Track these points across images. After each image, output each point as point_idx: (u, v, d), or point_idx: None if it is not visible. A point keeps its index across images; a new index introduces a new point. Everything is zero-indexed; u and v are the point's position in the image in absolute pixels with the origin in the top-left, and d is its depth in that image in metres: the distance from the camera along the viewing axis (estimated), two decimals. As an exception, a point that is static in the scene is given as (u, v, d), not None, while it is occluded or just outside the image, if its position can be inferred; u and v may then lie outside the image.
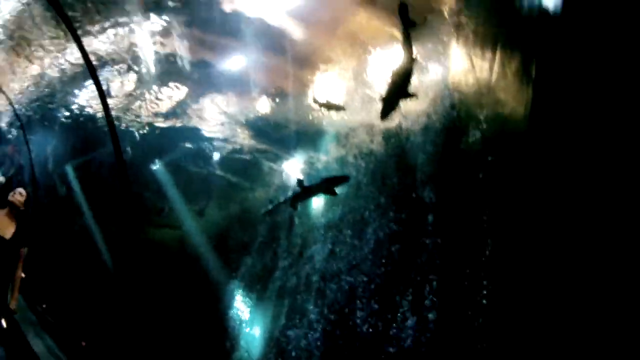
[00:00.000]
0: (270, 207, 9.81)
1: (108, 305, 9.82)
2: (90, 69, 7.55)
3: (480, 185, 4.97)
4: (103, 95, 7.68)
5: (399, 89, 6.14)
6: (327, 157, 9.33)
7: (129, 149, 10.09)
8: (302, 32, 7.70)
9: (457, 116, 6.25)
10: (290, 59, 8.25)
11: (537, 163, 3.23)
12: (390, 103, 6.29)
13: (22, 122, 12.99)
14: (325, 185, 7.82)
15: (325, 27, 7.63)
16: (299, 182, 8.34)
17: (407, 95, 6.20)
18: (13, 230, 6.19)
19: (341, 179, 7.82)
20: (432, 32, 6.71)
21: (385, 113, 6.41)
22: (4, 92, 12.09)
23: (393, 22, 7.00)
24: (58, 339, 8.27)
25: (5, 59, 10.84)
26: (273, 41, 7.94)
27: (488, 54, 4.74)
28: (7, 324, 6.16)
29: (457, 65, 6.18)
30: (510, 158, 4.05)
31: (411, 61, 6.14)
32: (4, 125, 14.61)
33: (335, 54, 7.90)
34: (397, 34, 7.02)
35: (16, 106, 12.71)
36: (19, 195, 6.49)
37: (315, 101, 8.64)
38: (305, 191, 8.16)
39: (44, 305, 10.53)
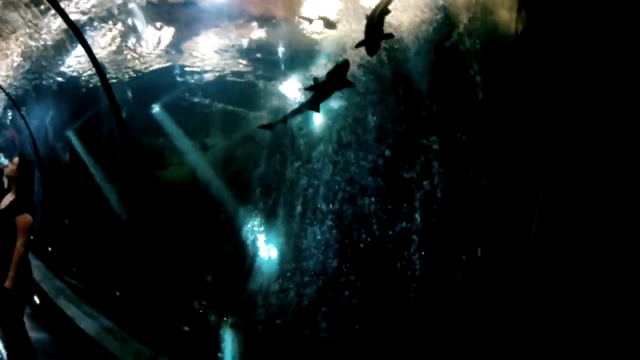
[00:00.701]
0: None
1: (129, 255, 10.12)
2: (73, 29, 7.66)
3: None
4: (91, 51, 7.80)
5: (378, 29, 6.39)
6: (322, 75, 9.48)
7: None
8: None
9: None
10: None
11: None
12: (373, 44, 6.56)
13: (14, 99, 13.16)
14: (335, 77, 7.51)
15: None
16: (314, 80, 8.00)
17: (387, 36, 6.58)
18: (10, 200, 5.67)
19: (343, 66, 7.46)
20: None
21: (371, 52, 6.73)
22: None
23: None
24: (91, 301, 8.26)
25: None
26: None
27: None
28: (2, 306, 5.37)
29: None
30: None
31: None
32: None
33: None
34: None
35: (5, 86, 12.84)
36: (10, 165, 5.98)
37: (308, 19, 8.74)
38: (320, 89, 7.81)
39: (73, 269, 10.81)
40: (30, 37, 10.77)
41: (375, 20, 6.35)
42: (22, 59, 11.81)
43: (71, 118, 12.73)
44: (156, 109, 11.34)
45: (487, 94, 5.54)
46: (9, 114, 15.25)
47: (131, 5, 9.45)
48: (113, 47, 10.44)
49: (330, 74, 7.63)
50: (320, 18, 8.65)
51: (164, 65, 10.53)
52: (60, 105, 12.78)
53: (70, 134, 12.89)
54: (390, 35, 6.73)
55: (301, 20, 8.90)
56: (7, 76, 12.63)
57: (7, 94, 13.15)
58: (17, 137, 15.52)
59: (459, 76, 6.32)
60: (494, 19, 5.33)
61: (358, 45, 6.57)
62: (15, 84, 12.93)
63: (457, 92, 6.44)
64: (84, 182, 12.55)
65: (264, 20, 9.39)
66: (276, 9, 9.05)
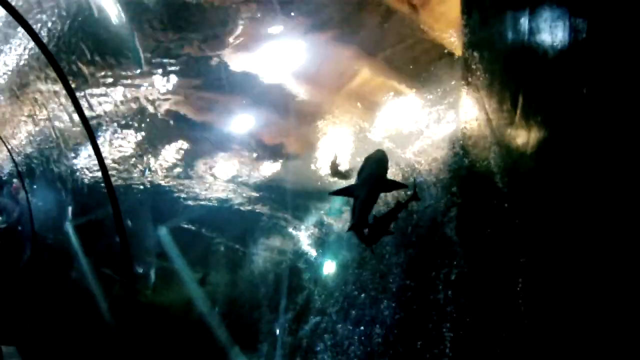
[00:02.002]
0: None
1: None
2: (87, 129, 7.46)
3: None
4: (100, 155, 7.54)
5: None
6: (333, 218, 9.09)
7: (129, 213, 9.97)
8: (307, 92, 7.76)
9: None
10: (296, 119, 8.26)
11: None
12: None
13: (21, 171, 12.88)
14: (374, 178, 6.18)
15: (330, 86, 7.71)
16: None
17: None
18: None
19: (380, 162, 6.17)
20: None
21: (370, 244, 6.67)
22: (2, 140, 11.98)
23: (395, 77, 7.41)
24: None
25: (9, 111, 10.91)
26: (278, 101, 7.97)
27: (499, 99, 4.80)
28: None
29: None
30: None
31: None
32: (3, 175, 14.56)
33: (341, 111, 7.94)
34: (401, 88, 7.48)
35: (17, 157, 12.64)
36: None
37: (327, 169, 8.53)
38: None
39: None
40: (55, 116, 10.59)
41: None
42: (41, 133, 11.57)
43: (74, 213, 12.34)
44: (160, 228, 10.91)
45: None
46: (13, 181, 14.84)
47: (152, 114, 9.20)
48: (126, 151, 10.15)
49: (366, 174, 6.14)
50: (331, 166, 8.46)
51: (172, 183, 10.19)
52: (65, 195, 12.42)
53: (69, 228, 12.45)
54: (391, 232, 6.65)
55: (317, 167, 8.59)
56: (21, 144, 12.34)
57: (13, 160, 12.79)
58: (20, 194, 15.09)
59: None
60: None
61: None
62: (27, 153, 12.60)
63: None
64: (72, 281, 11.96)
65: (276, 153, 9.24)
66: (289, 144, 8.96)
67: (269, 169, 9.69)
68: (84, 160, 11.05)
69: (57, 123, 10.54)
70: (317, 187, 9.09)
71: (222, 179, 9.98)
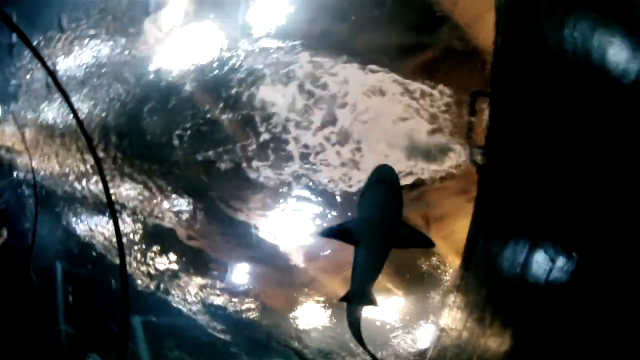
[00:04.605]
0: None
1: None
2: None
3: None
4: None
5: None
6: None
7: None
8: (306, 266, 8.15)
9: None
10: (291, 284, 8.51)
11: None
12: None
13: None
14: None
15: (332, 270, 7.99)
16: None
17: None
18: None
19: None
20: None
21: None
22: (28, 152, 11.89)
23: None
24: None
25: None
26: (280, 263, 8.26)
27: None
28: None
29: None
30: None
31: None
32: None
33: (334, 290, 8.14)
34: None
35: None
36: None
37: None
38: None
39: None
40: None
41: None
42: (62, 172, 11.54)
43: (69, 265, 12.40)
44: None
45: None
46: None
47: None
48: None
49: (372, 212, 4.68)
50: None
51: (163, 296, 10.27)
52: (68, 241, 12.46)
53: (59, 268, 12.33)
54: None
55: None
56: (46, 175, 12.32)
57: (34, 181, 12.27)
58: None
59: None
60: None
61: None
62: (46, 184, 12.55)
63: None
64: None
65: (262, 305, 9.25)
66: (272, 297, 8.95)
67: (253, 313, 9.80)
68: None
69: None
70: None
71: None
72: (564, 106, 3.39)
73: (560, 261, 3.21)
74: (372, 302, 5.07)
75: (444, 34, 6.18)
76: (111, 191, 8.01)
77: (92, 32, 7.14)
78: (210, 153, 7.15)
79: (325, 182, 7.05)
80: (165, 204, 8.34)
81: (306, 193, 7.32)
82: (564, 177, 3.39)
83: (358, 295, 5.04)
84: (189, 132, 7.14)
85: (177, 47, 6.78)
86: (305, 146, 6.89)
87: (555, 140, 3.58)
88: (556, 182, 3.52)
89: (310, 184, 7.15)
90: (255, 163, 7.03)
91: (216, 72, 6.69)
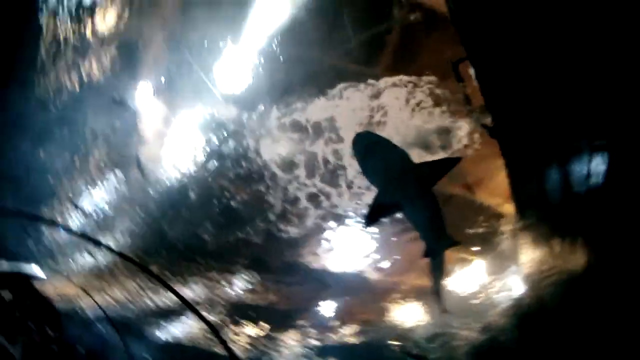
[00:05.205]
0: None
1: None
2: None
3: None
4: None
5: None
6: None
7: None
8: (380, 275, 8.27)
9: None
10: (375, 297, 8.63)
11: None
12: None
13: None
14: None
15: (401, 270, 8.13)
16: None
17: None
18: None
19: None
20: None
21: None
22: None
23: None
24: None
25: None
26: (356, 284, 8.43)
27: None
28: None
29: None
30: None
31: None
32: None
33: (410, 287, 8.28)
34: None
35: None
36: None
37: None
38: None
39: None
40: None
41: None
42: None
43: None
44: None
45: None
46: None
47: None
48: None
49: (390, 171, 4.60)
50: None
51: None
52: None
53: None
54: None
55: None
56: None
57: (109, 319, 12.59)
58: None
59: None
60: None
61: None
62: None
63: None
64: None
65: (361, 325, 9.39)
66: (365, 314, 9.01)
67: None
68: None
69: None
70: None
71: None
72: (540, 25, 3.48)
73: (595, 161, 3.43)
74: (452, 241, 5.06)
75: (397, 13, 6.24)
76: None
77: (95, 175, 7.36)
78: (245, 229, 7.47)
79: (348, 207, 7.27)
80: (235, 285, 8.64)
81: (337, 221, 7.53)
82: (567, 85, 3.59)
83: (434, 244, 5.02)
84: (221, 219, 7.41)
85: (173, 153, 6.97)
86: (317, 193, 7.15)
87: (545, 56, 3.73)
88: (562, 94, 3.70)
89: (336, 213, 7.36)
90: (282, 226, 7.36)
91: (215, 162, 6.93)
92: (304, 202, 7.11)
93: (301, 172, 6.89)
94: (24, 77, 5.77)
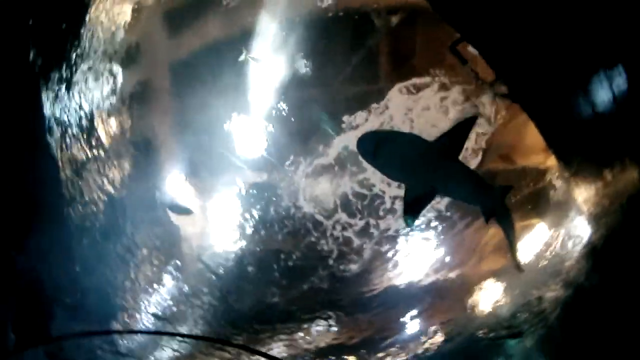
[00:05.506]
0: None
1: None
2: None
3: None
4: None
5: None
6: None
7: None
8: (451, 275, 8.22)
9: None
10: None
11: None
12: None
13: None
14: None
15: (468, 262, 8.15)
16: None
17: None
18: None
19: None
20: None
21: None
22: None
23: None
24: None
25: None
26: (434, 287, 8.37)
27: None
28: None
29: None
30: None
31: None
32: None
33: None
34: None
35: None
36: None
37: None
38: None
39: None
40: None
41: None
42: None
43: None
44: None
45: None
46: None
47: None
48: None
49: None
50: None
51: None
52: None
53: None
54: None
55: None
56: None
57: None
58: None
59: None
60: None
61: None
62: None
63: None
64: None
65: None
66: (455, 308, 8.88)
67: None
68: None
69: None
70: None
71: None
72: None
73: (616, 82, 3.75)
74: (501, 187, 4.75)
75: (378, 22, 6.33)
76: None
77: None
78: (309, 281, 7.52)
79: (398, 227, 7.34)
80: (314, 332, 8.60)
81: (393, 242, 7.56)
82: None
83: (487, 202, 4.56)
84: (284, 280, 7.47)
85: (220, 235, 7.06)
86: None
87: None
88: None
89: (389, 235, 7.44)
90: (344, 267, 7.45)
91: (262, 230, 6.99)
92: (356, 241, 7.21)
93: (342, 215, 7.03)
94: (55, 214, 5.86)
